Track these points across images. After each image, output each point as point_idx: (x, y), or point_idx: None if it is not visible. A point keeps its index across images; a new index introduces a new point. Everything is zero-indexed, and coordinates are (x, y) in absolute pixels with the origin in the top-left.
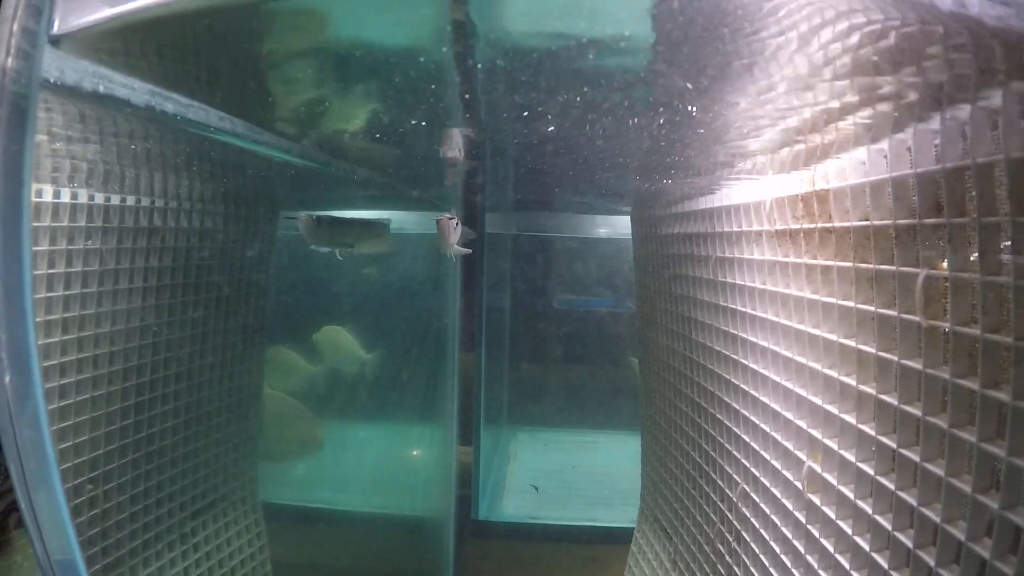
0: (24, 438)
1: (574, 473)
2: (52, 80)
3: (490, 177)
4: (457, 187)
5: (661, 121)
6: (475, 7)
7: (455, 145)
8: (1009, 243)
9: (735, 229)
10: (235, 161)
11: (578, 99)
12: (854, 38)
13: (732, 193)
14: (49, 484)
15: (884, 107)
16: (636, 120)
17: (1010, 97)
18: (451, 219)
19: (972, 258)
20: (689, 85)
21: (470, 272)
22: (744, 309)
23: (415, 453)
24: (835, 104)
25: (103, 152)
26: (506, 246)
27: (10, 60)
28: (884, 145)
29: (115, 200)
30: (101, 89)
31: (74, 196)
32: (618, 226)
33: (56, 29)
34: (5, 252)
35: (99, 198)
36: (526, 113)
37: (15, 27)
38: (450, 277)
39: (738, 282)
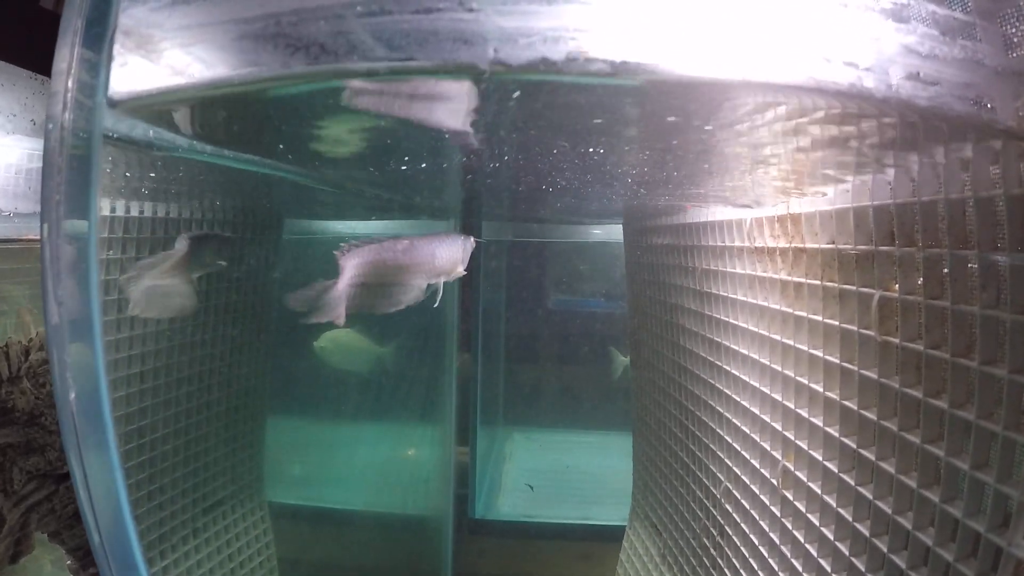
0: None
1: (568, 473)
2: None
3: (488, 193)
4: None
5: (647, 152)
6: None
7: None
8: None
9: (719, 244)
10: (241, 178)
11: (572, 125)
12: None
13: (717, 209)
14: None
15: (848, 156)
16: (626, 148)
17: (950, 153)
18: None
19: (919, 283)
20: (674, 142)
21: (468, 274)
22: (726, 319)
23: (409, 453)
24: (806, 149)
25: (126, 169)
26: (502, 250)
27: (67, 114)
28: (848, 178)
29: (134, 212)
30: (151, 135)
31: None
32: (611, 230)
33: (112, 93)
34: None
35: (120, 209)
36: (523, 135)
37: (70, 83)
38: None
39: (721, 293)
